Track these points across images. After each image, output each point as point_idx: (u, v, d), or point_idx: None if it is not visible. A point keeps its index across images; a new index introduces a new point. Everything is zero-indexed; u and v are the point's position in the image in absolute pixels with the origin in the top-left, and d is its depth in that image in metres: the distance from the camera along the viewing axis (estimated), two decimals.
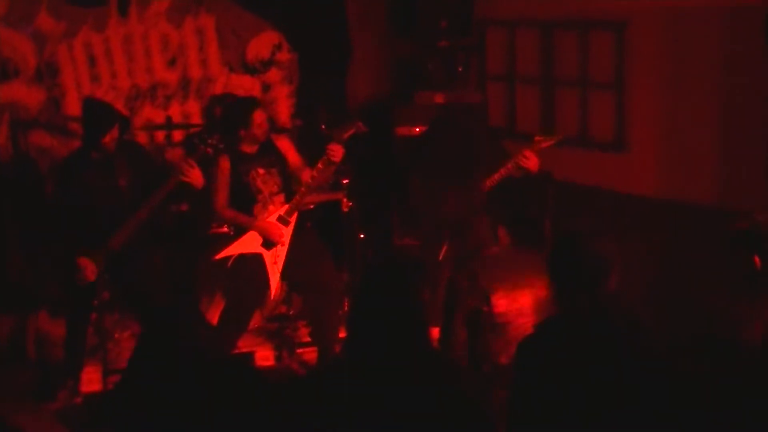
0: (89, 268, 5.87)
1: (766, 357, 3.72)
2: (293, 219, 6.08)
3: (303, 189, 6.06)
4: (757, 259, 3.89)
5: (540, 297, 4.63)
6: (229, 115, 6.36)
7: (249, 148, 6.08)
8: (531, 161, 6.19)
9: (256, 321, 6.73)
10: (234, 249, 6.05)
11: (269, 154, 6.14)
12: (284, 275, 6.15)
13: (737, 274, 4.31)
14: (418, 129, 7.56)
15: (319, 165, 5.98)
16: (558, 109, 7.95)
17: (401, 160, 7.37)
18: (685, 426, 3.32)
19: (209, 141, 5.89)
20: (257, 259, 6.06)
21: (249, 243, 6.05)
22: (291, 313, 6.96)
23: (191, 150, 5.93)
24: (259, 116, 6.05)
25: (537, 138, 6.34)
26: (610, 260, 3.45)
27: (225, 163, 6.03)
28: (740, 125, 6.65)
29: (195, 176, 5.90)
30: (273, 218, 6.06)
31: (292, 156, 6.22)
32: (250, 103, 6.21)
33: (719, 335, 3.93)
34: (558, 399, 3.34)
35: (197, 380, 3.16)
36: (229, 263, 6.05)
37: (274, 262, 6.06)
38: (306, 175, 6.08)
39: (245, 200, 6.08)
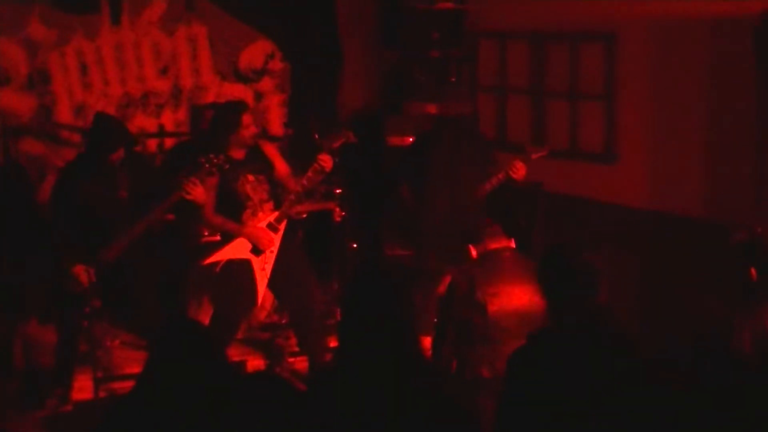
0: (83, 276, 5.87)
1: (756, 366, 3.74)
2: (282, 226, 6.08)
3: (292, 196, 6.06)
4: (753, 270, 3.91)
5: (537, 312, 4.56)
6: (218, 120, 6.35)
7: (237, 154, 6.06)
8: (519, 172, 6.33)
9: (243, 330, 6.74)
10: (223, 254, 6.04)
11: (258, 161, 6.12)
12: (269, 286, 6.16)
13: (728, 284, 4.34)
14: (410, 139, 7.58)
15: (309, 173, 5.99)
16: (548, 120, 7.98)
17: (392, 170, 7.38)
18: None
19: (215, 161, 5.85)
20: (245, 265, 6.06)
21: (238, 249, 6.04)
22: (282, 322, 6.96)
23: (196, 168, 5.88)
24: (247, 119, 6.05)
25: (528, 149, 6.49)
26: (599, 273, 3.47)
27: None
28: (728, 137, 6.69)
29: (198, 194, 5.87)
30: (262, 225, 6.07)
31: (279, 163, 6.21)
32: (238, 106, 6.22)
33: (710, 345, 3.96)
34: (548, 411, 3.36)
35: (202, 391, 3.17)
36: (218, 268, 6.04)
37: (262, 268, 6.04)
38: (293, 184, 6.09)
39: (234, 207, 6.06)
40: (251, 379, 3.32)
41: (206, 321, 6.27)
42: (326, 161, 5.95)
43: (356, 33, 8.52)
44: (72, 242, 5.95)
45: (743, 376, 3.71)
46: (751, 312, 3.83)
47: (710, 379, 3.74)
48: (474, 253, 4.94)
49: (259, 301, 6.18)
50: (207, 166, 5.83)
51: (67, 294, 5.93)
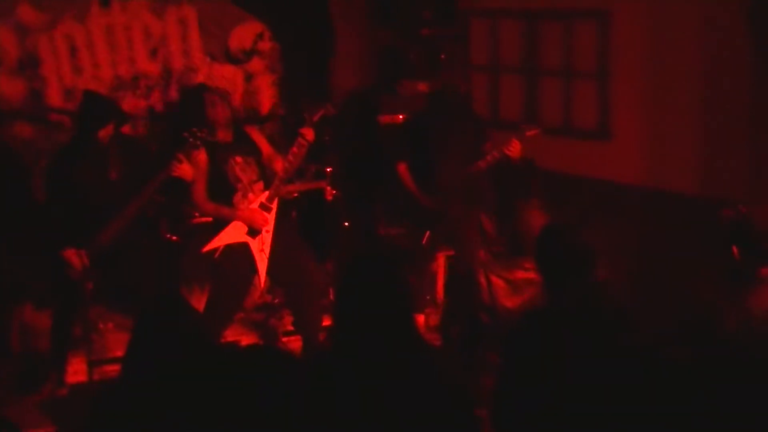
0: (75, 260, 5.85)
1: (741, 346, 3.75)
2: (274, 205, 6.09)
3: (282, 174, 6.08)
4: (735, 249, 3.91)
5: None
6: (183, 102, 6.41)
7: (225, 137, 6.07)
8: (515, 150, 6.41)
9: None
10: (220, 240, 6.03)
11: (245, 144, 6.14)
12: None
13: (718, 263, 4.33)
14: (401, 117, 7.56)
15: (294, 149, 6.01)
16: (541, 98, 7.97)
17: (385, 149, 7.38)
18: (668, 415, 3.34)
19: (199, 134, 5.88)
20: (244, 248, 6.05)
21: (235, 233, 6.03)
22: (276, 302, 6.96)
23: (181, 144, 5.90)
24: (210, 98, 6.08)
25: (522, 127, 6.54)
26: (596, 251, 3.48)
27: (201, 156, 5.99)
28: (723, 113, 6.68)
29: (185, 171, 5.92)
30: (255, 205, 6.06)
31: (264, 146, 6.24)
32: (200, 88, 6.26)
33: (699, 323, 3.96)
34: (545, 388, 3.36)
35: (191, 369, 3.16)
36: (217, 254, 6.03)
37: (261, 249, 6.05)
38: (279, 164, 6.10)
39: (225, 190, 6.06)
40: (248, 352, 3.29)
41: (201, 307, 6.27)
42: (308, 134, 5.99)
43: (348, 12, 8.48)
44: (65, 226, 5.93)
45: (730, 358, 3.71)
46: (736, 293, 3.83)
47: (699, 360, 3.74)
48: None
49: (262, 283, 6.18)
50: (191, 140, 5.87)
51: (63, 279, 5.92)
